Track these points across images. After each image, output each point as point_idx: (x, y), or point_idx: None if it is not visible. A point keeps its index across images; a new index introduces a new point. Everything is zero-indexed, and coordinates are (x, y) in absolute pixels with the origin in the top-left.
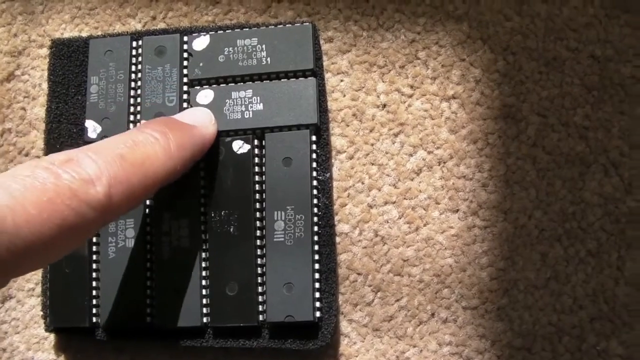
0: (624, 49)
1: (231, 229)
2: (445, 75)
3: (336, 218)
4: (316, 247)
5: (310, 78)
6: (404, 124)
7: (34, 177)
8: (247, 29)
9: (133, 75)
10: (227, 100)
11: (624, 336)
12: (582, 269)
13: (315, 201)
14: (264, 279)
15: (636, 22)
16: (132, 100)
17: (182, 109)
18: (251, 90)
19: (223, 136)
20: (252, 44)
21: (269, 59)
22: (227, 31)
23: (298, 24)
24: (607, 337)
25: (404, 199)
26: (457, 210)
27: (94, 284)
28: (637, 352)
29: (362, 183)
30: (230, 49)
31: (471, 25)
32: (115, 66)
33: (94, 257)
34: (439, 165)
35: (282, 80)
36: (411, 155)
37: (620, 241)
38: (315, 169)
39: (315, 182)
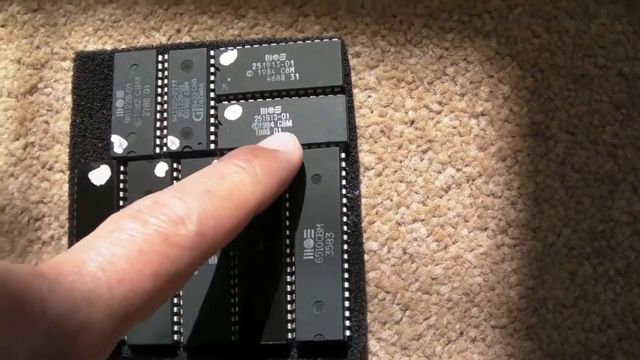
0: None
1: (260, 247)
2: (474, 92)
3: (365, 235)
4: (346, 266)
5: (339, 95)
6: (432, 140)
7: (120, 230)
8: (275, 44)
9: (159, 90)
10: (255, 117)
11: None
12: (611, 287)
13: (344, 219)
14: (294, 297)
15: None
16: (158, 115)
17: (209, 124)
18: (280, 107)
19: None
20: (280, 60)
21: (297, 75)
22: (255, 46)
23: (327, 40)
24: (635, 357)
25: (433, 216)
26: (486, 229)
27: None
28: None
29: (391, 200)
30: (258, 64)
31: (499, 42)
32: (141, 80)
33: None
34: (468, 182)
35: (311, 97)
36: (440, 172)
37: None
38: (344, 187)
39: (344, 200)
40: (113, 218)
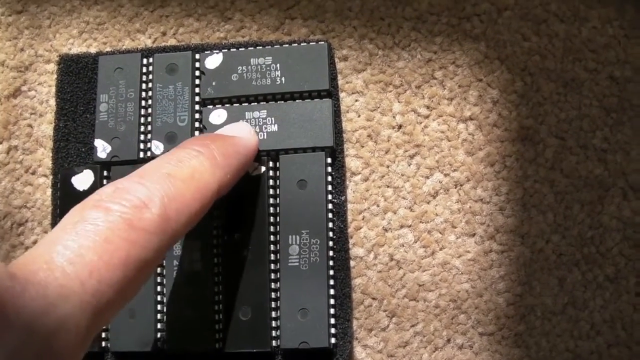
0: None
1: (245, 253)
2: (462, 96)
3: (351, 241)
4: (331, 272)
5: (325, 99)
6: (420, 145)
7: (83, 221)
8: (261, 48)
9: (144, 94)
10: (240, 121)
11: None
12: (600, 294)
13: (330, 225)
14: (278, 304)
15: None
16: (142, 120)
17: (194, 129)
18: (265, 111)
19: None
20: (266, 63)
21: (283, 79)
22: (241, 49)
23: (313, 43)
24: None
25: (420, 222)
26: (474, 235)
27: None
28: None
29: (377, 206)
30: (244, 67)
31: (488, 45)
32: (125, 84)
33: None
34: (456, 188)
35: (297, 101)
36: (427, 177)
37: (638, 266)
38: (330, 192)
39: (330, 206)
40: (75, 209)
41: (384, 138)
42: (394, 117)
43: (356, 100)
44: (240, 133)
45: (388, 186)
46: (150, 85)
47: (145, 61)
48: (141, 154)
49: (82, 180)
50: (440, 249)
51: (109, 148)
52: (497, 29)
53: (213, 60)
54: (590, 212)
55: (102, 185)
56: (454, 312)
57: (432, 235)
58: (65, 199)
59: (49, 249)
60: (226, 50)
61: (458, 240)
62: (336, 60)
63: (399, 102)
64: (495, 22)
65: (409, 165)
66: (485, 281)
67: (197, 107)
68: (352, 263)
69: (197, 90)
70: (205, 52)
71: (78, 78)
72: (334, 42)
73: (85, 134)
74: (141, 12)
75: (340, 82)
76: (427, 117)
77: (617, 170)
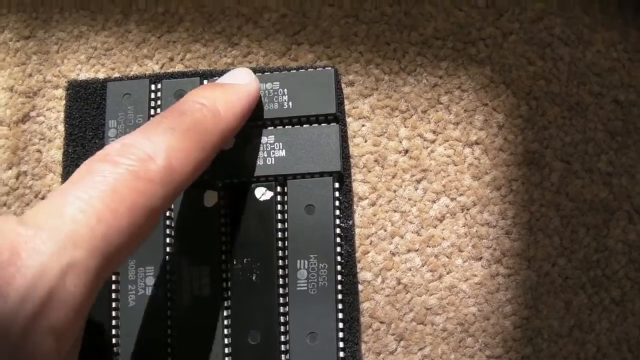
0: None
1: (253, 277)
2: (468, 121)
3: (358, 265)
4: (339, 296)
5: (333, 124)
6: (426, 170)
7: (92, 173)
8: (269, 73)
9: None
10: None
11: None
12: (606, 317)
13: (338, 249)
14: (287, 328)
15: None
16: None
17: None
18: (273, 136)
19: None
20: (273, 88)
21: (290, 103)
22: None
23: (320, 68)
24: None
25: (427, 246)
26: (481, 258)
27: (113, 332)
28: None
29: (385, 230)
30: None
31: (494, 70)
32: (133, 109)
33: (114, 304)
34: (462, 212)
35: (305, 126)
36: (434, 202)
37: None
38: (337, 217)
39: (338, 230)
40: (84, 164)
41: (391, 163)
42: (400, 142)
43: (363, 125)
44: (243, 79)
45: (395, 211)
46: (159, 110)
47: (153, 87)
48: None
49: None
50: (447, 273)
51: None
52: (503, 53)
53: None
54: (595, 235)
55: None
56: (462, 335)
57: (439, 259)
58: None
59: (59, 200)
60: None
61: (465, 264)
62: (343, 85)
63: (405, 127)
64: (501, 46)
65: (416, 190)
66: (492, 304)
67: None
68: (360, 287)
69: None
70: (213, 78)
71: (86, 104)
72: (340, 68)
73: None
74: (148, 38)
75: (347, 107)
76: (433, 141)
77: (622, 194)
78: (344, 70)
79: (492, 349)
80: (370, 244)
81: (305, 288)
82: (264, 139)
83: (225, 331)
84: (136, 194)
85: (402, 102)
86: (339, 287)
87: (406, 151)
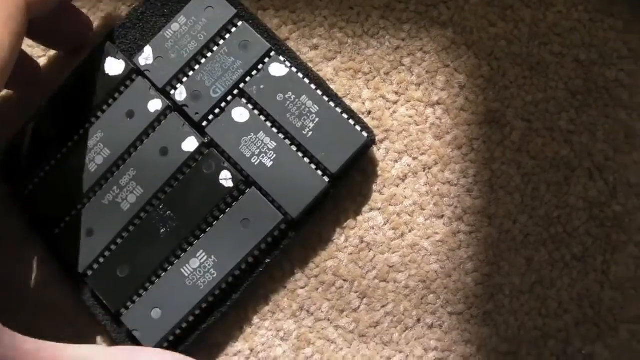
0: (608, 53)
1: (161, 230)
2: (430, 82)
3: (322, 225)
4: (208, 300)
5: (325, 186)
6: (389, 130)
7: None
8: (320, 92)
9: (211, 45)
10: (251, 134)
11: (610, 340)
12: (567, 273)
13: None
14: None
15: (620, 26)
16: (190, 63)
17: (215, 107)
18: (275, 144)
19: (224, 157)
20: (311, 109)
21: (310, 133)
22: (305, 80)
23: (359, 128)
24: (592, 341)
25: (389, 205)
26: (442, 216)
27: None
28: (622, 356)
29: (348, 189)
30: (293, 96)
31: (455, 32)
32: (203, 24)
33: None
34: (424, 171)
35: (305, 159)
36: (396, 161)
37: (605, 245)
38: (253, 255)
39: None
40: None
41: None
42: (363, 103)
43: None
44: None
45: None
46: (220, 42)
47: (235, 21)
48: (167, 87)
49: (115, 66)
50: (410, 231)
51: (150, 60)
52: (464, 15)
53: (277, 69)
54: (556, 192)
55: (126, 81)
56: (424, 292)
57: (401, 218)
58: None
59: None
60: (295, 69)
61: (427, 222)
62: (307, 49)
63: (368, 88)
64: (462, 8)
65: (378, 150)
66: (454, 262)
67: (235, 92)
68: (324, 246)
69: (247, 79)
70: (280, 56)
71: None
72: (304, 32)
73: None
74: None
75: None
76: (395, 102)
77: (583, 151)
78: (309, 34)
79: (454, 305)
80: (333, 203)
81: (187, 275)
82: (267, 140)
83: (112, 247)
84: None
85: (365, 65)
86: (216, 291)
87: (369, 112)
